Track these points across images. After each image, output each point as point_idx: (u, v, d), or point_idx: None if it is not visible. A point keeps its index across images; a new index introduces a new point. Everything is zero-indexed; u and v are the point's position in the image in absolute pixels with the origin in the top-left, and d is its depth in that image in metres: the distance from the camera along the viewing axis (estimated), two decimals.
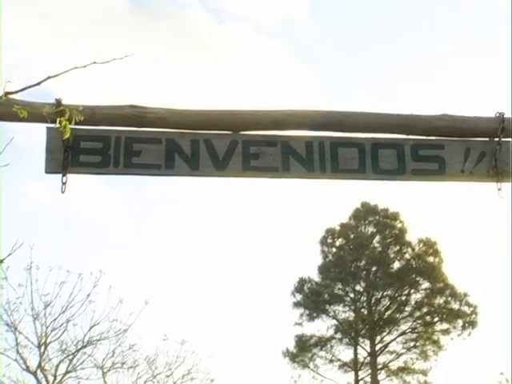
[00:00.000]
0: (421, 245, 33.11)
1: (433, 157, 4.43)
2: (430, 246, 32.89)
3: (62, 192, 4.07)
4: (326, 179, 4.45)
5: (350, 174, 4.42)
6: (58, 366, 16.22)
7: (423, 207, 44.18)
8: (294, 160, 4.34)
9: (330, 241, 34.13)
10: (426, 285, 32.59)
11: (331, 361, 32.50)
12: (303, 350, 32.23)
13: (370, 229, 34.09)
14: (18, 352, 15.92)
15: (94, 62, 3.20)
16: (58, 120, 3.49)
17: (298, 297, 33.22)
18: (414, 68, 46.12)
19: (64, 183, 4.08)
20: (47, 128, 4.12)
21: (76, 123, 3.57)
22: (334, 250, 34.02)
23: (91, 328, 16.57)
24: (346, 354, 32.66)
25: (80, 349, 16.52)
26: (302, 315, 33.04)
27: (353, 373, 32.13)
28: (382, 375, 32.06)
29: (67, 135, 3.52)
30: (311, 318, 32.96)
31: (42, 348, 15.96)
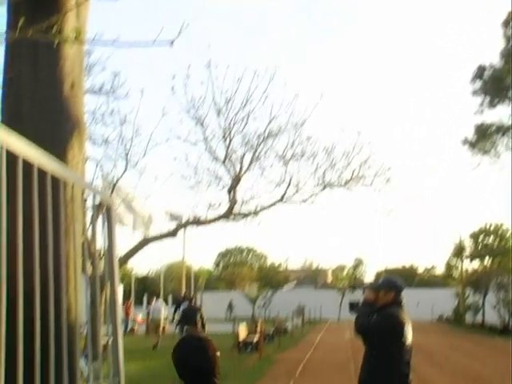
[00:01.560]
0: None
1: None
2: None
3: None
4: None
5: None
6: (243, 156, 17.49)
7: None
8: None
9: None
10: None
11: None
12: (483, 137, 31.45)
13: None
14: (206, 144, 17.35)
15: None
16: None
17: (478, 84, 31.77)
18: None
19: None
20: None
21: None
22: None
23: (270, 122, 17.39)
24: None
25: (262, 141, 17.54)
26: (481, 103, 31.80)
27: None
28: None
29: None
30: (492, 106, 31.65)
31: (228, 140, 17.18)
